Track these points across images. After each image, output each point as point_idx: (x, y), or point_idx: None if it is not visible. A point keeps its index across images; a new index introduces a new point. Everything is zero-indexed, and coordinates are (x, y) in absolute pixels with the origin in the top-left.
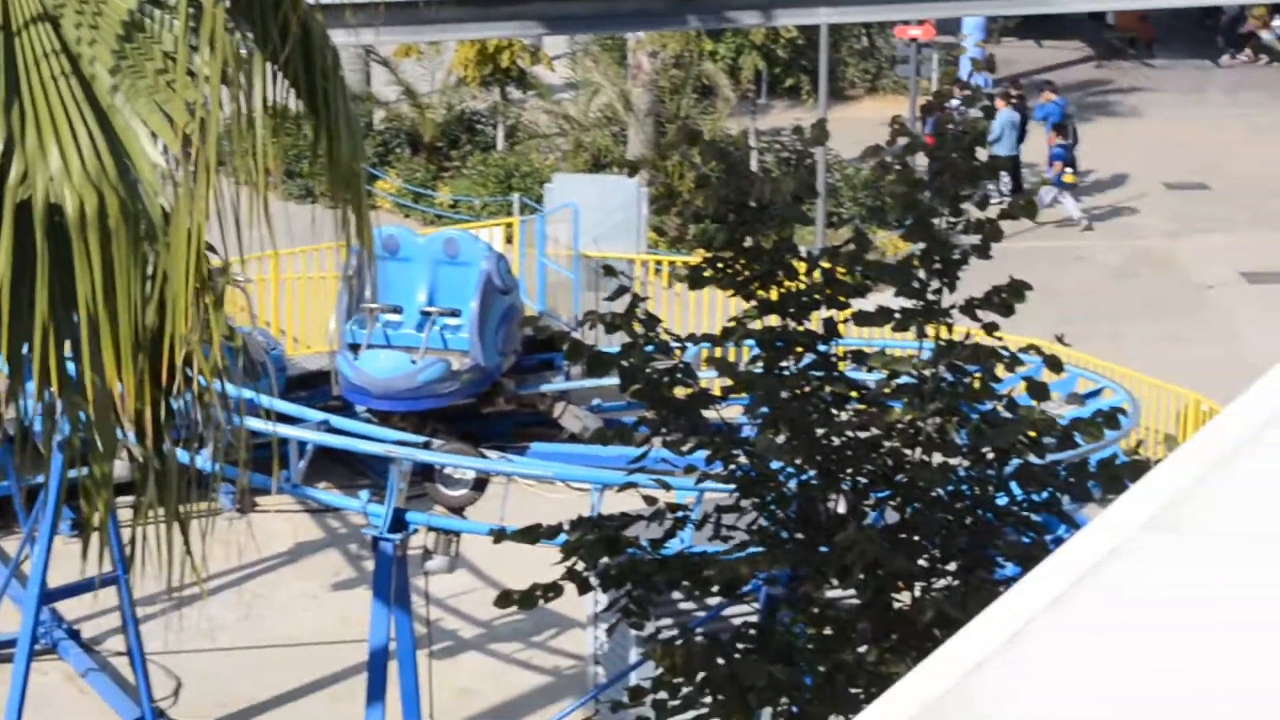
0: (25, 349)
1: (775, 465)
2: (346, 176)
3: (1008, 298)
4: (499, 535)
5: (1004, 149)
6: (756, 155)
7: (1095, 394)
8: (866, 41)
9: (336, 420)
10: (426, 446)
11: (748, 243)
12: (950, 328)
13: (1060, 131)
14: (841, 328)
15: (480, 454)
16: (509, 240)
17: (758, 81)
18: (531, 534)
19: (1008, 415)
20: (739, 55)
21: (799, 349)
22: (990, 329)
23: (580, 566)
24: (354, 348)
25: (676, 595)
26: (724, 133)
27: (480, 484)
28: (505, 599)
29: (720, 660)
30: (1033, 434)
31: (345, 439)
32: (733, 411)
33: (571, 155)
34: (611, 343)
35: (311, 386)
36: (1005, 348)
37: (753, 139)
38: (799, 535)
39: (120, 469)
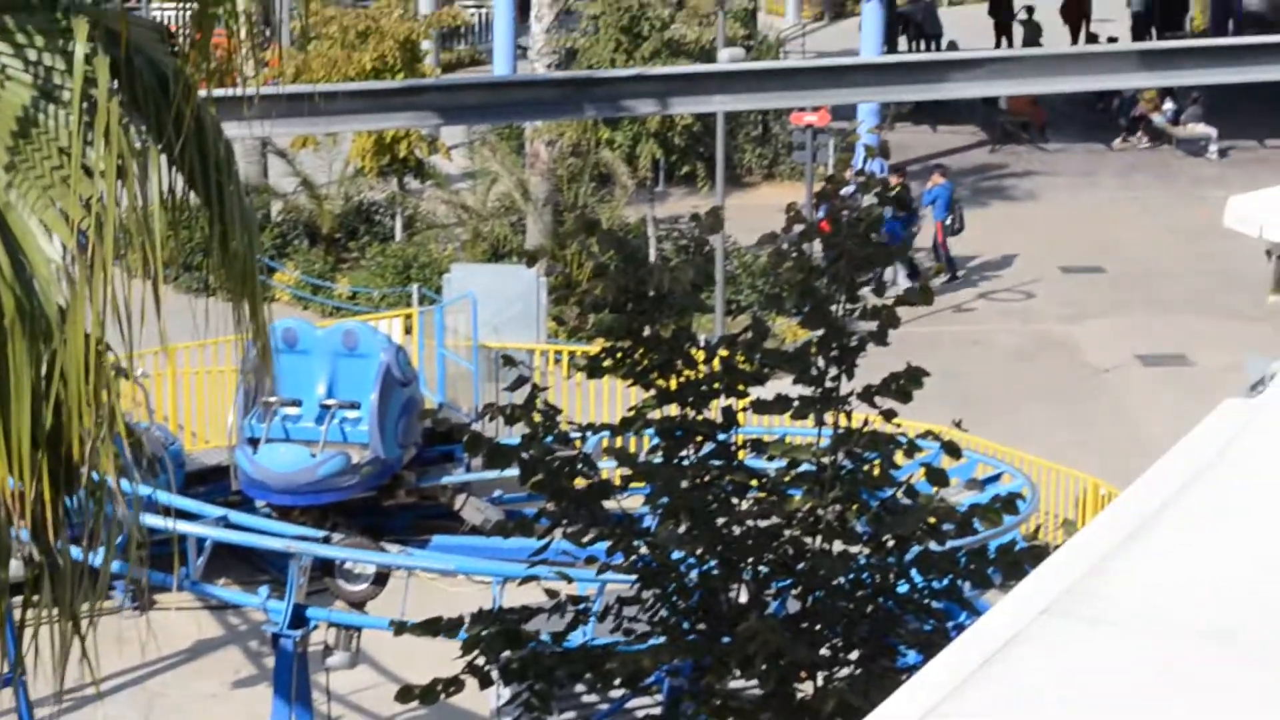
0: None
1: (676, 555)
2: (242, 269)
3: (906, 384)
4: (400, 629)
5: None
6: (655, 243)
7: (994, 479)
8: (763, 128)
9: (235, 516)
10: (327, 541)
11: (646, 332)
12: (849, 415)
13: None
14: (741, 416)
15: (381, 548)
16: (408, 331)
17: (655, 169)
18: (433, 628)
19: (907, 502)
20: (636, 143)
21: (699, 438)
22: (889, 415)
23: (482, 660)
24: (253, 442)
25: (579, 688)
26: (622, 220)
27: (381, 578)
28: (406, 694)
29: None
30: (932, 521)
31: (244, 534)
32: (633, 502)
33: (470, 245)
34: (512, 434)
35: (210, 481)
36: (904, 434)
37: (651, 227)
38: (701, 626)
39: (15, 568)
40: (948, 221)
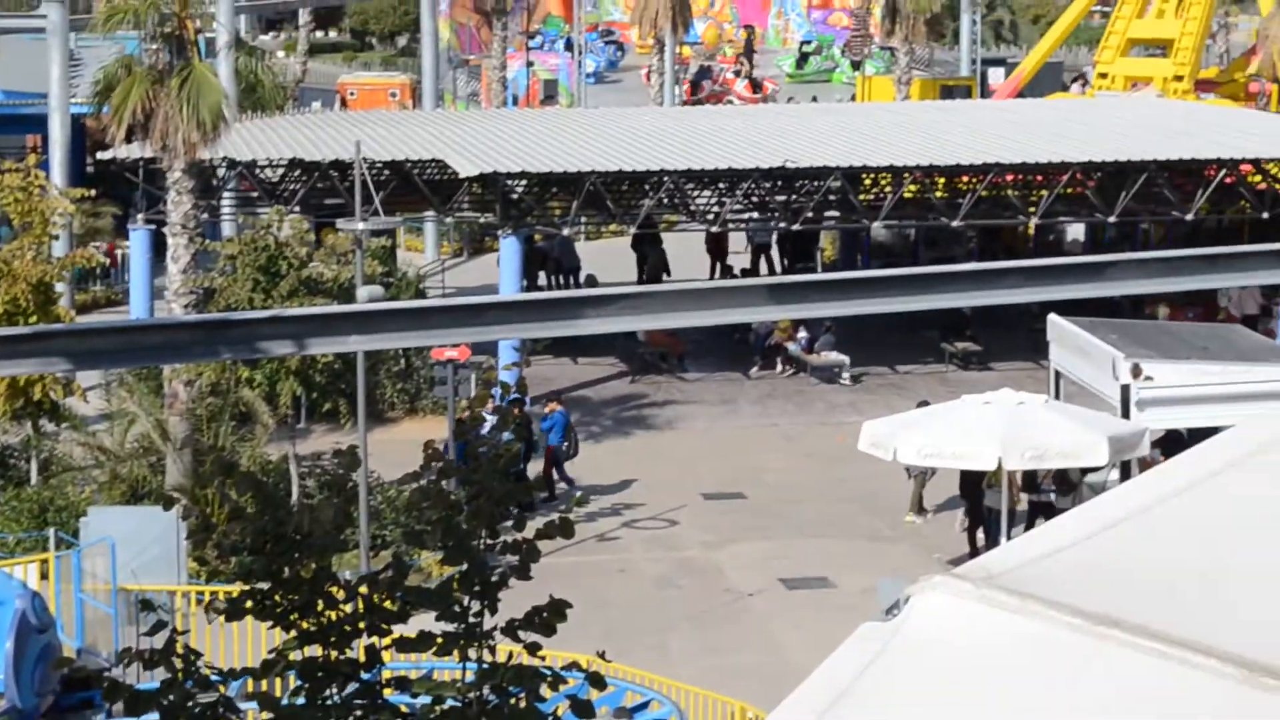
0: None
1: None
2: None
3: (549, 617)
4: None
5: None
6: (297, 481)
7: (643, 706)
8: (404, 363)
9: None
10: None
11: (286, 573)
12: (493, 649)
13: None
14: (386, 654)
15: None
16: (44, 576)
17: (296, 406)
18: None
19: None
20: (276, 381)
21: (342, 678)
22: (533, 649)
23: None
24: None
25: None
26: (264, 459)
27: None
28: None
29: None
30: None
31: None
32: None
33: (108, 487)
34: (153, 678)
35: None
36: (549, 667)
37: (293, 465)
38: None
39: None
40: (563, 447)
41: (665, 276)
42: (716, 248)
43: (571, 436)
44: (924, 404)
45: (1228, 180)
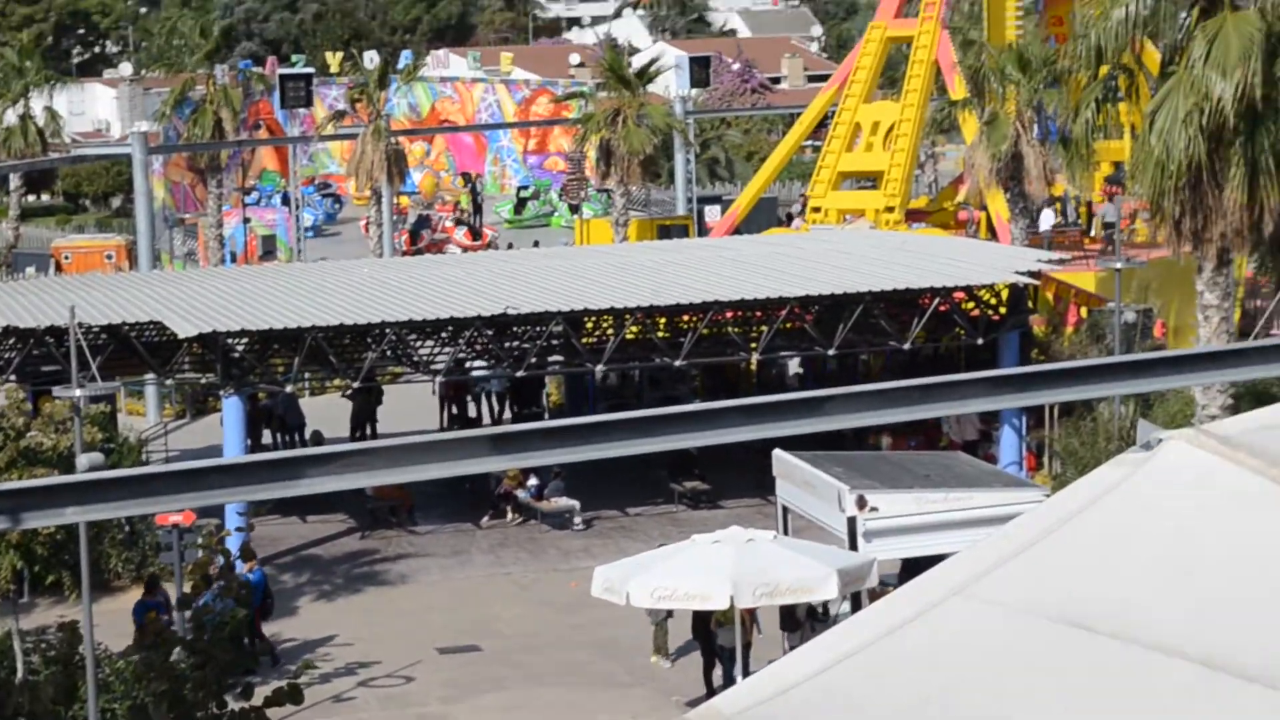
0: None
1: None
2: None
3: None
4: None
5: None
6: (22, 657)
7: None
8: (129, 531)
9: None
10: None
11: None
12: None
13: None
14: None
15: None
16: None
17: (18, 580)
18: None
19: None
20: None
21: None
22: None
23: None
24: None
25: None
26: None
27: None
28: None
29: None
30: None
31: None
32: None
33: None
34: None
35: None
36: None
37: (17, 640)
38: None
39: None
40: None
41: (371, 426)
42: (450, 395)
43: (269, 595)
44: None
45: (942, 308)
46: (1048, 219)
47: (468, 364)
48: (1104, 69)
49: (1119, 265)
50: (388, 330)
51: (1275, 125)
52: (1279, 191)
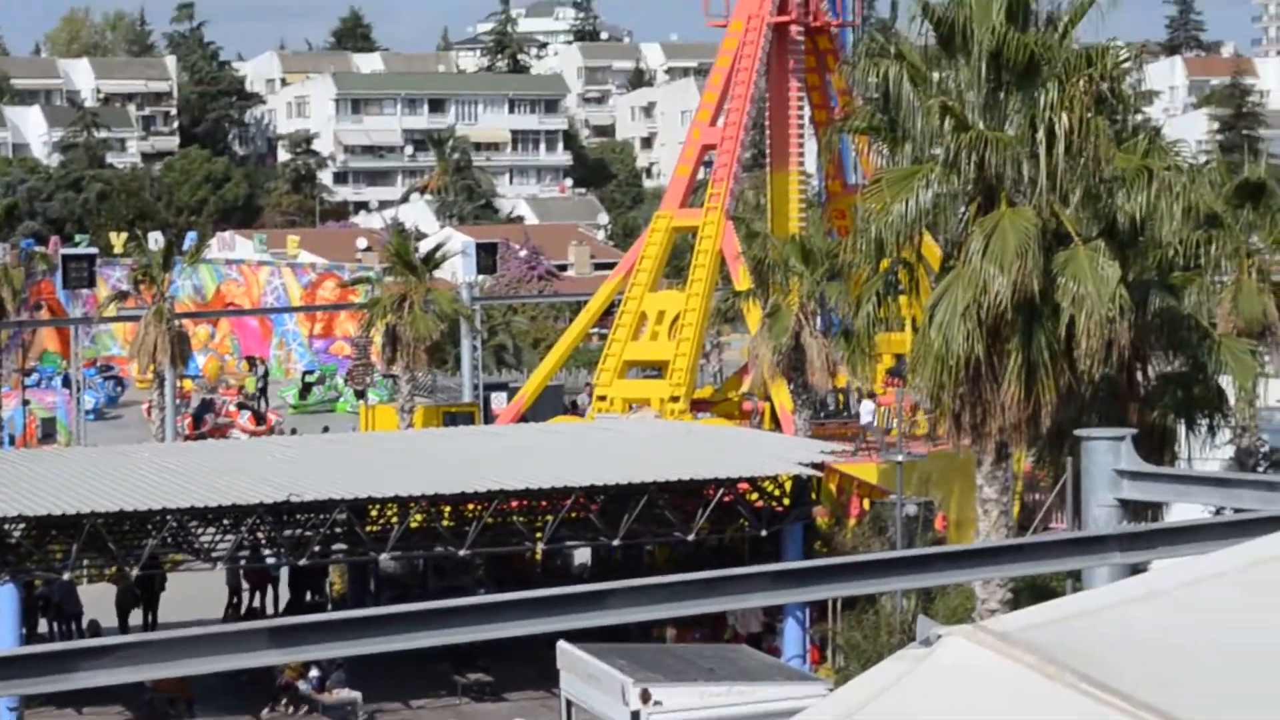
0: None
1: None
2: None
3: None
4: None
5: None
6: None
7: None
8: None
9: None
10: None
11: None
12: None
13: None
14: None
15: None
16: None
17: None
18: None
19: None
20: None
21: None
22: None
23: None
24: None
25: None
26: None
27: None
28: None
29: None
30: None
31: None
32: None
33: None
34: None
35: None
36: None
37: None
38: None
39: None
40: None
41: (151, 614)
42: (233, 583)
43: None
44: None
45: (726, 499)
46: (868, 410)
47: (251, 551)
48: (885, 262)
49: (900, 458)
50: (169, 517)
51: (1052, 320)
52: (1056, 386)
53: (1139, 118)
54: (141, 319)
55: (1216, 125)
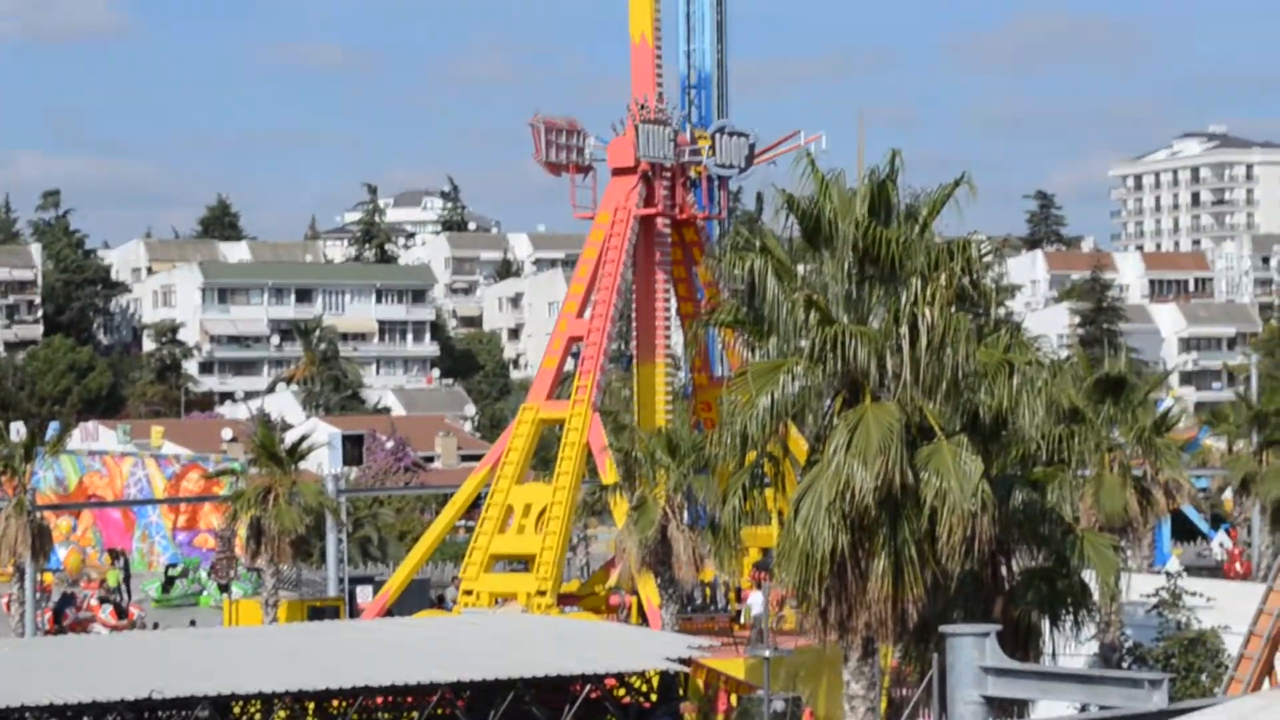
0: None
1: None
2: None
3: None
4: None
5: None
6: None
7: None
8: None
9: None
10: None
11: None
12: None
13: None
14: None
15: None
16: None
17: None
18: None
19: None
20: None
21: None
22: None
23: None
24: None
25: None
26: None
27: None
28: None
29: None
30: None
31: None
32: None
33: None
34: None
35: None
36: None
37: None
38: None
39: None
40: None
41: None
42: None
43: None
44: None
45: (594, 695)
46: (758, 601)
47: None
48: (751, 455)
49: (767, 653)
50: (27, 714)
51: (916, 514)
52: (921, 580)
53: (1001, 311)
54: (1, 511)
55: (1077, 319)
